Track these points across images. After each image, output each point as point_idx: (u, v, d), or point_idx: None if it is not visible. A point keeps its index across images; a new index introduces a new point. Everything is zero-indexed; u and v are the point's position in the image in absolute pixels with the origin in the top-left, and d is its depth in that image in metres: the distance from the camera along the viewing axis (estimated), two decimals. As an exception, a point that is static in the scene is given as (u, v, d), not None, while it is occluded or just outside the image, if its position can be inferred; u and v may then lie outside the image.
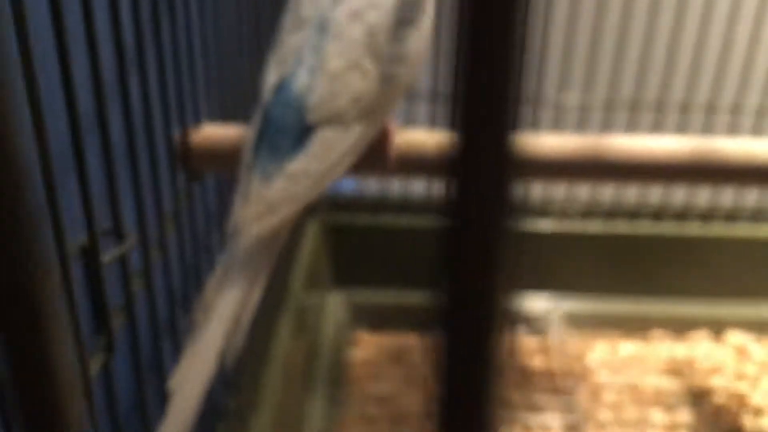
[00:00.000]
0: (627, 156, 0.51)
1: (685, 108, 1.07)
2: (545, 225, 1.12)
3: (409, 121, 1.08)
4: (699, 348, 1.06)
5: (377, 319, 1.11)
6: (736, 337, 1.08)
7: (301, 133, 0.46)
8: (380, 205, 1.11)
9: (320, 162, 0.46)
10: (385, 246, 1.12)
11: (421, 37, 0.49)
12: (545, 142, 0.53)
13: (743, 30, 1.05)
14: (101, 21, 0.40)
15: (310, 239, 1.06)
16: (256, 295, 0.47)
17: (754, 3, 1.03)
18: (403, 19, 0.47)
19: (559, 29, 1.05)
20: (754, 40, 1.04)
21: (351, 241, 1.12)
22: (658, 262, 1.13)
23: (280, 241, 0.48)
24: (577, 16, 1.04)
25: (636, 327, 1.10)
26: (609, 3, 1.03)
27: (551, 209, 1.13)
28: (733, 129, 1.08)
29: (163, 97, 0.49)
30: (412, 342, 1.09)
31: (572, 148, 0.53)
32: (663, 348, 1.07)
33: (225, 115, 0.59)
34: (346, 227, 1.11)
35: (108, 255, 0.39)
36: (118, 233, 0.40)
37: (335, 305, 1.12)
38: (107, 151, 0.41)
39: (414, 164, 0.54)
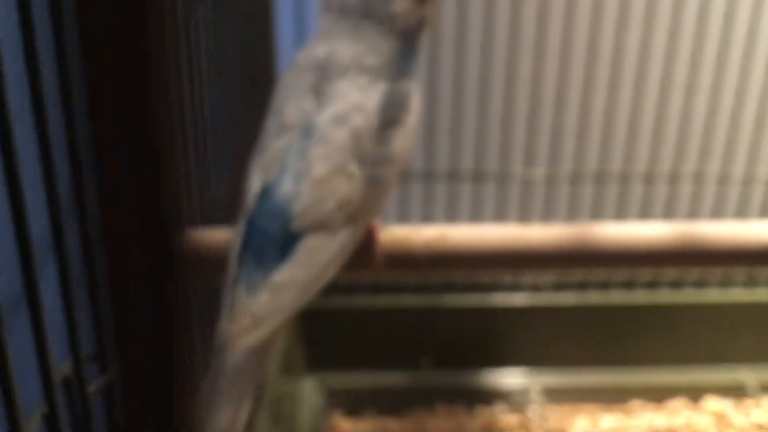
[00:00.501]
0: (615, 243, 0.51)
1: (649, 178, 1.08)
2: (518, 299, 1.11)
3: (403, 201, 1.08)
4: (679, 417, 1.05)
5: (354, 403, 1.08)
6: (714, 404, 1.07)
7: (287, 240, 0.45)
8: (352, 286, 1.09)
9: (307, 270, 0.45)
10: (358, 328, 1.10)
11: (406, 136, 0.48)
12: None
13: (701, 100, 1.07)
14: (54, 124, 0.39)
15: (285, 324, 1.03)
16: (246, 409, 0.45)
17: (709, 75, 1.06)
18: (388, 120, 0.47)
19: (523, 105, 1.06)
20: (711, 110, 1.07)
21: (324, 324, 1.09)
22: (631, 330, 1.13)
23: (269, 351, 0.46)
24: (541, 90, 1.05)
25: (615, 398, 1.09)
26: (571, 77, 1.05)
27: (523, 282, 1.12)
28: (694, 199, 1.10)
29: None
30: (390, 426, 1.06)
31: (559, 237, 0.52)
32: (643, 419, 1.05)
33: (205, 219, 0.57)
34: (318, 310, 1.08)
35: (93, 385, 0.36)
36: (102, 360, 0.38)
37: (310, 391, 1.09)
38: (90, 264, 0.39)
39: (401, 261, 0.52)
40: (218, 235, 0.52)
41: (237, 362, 0.44)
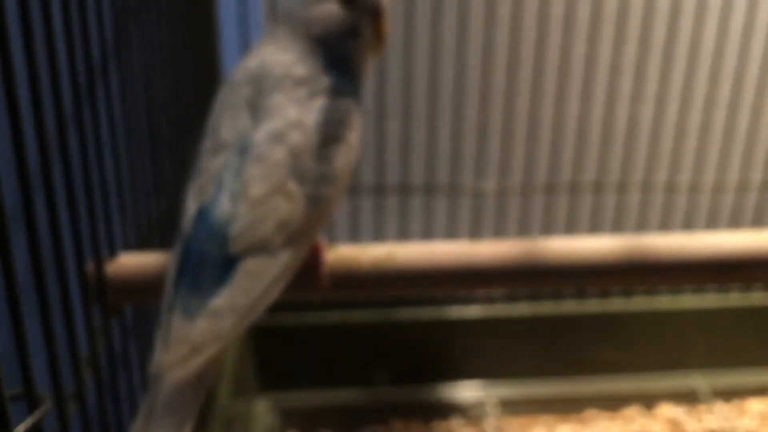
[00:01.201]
0: (565, 259, 0.50)
1: (597, 187, 1.09)
2: (472, 311, 1.10)
3: (354, 214, 1.06)
4: (633, 424, 1.05)
5: (308, 423, 1.06)
6: (667, 411, 1.07)
7: (225, 264, 0.42)
8: (303, 303, 1.07)
9: (246, 294, 0.42)
10: (310, 345, 1.08)
11: (348, 154, 0.46)
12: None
13: (647, 112, 1.08)
14: (1, 138, 0.37)
15: (235, 344, 1.01)
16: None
17: (654, 86, 1.07)
18: (328, 138, 0.45)
19: (472, 118, 1.05)
20: (656, 121, 1.07)
21: (275, 343, 1.07)
22: (584, 340, 1.13)
23: (208, 378, 0.44)
24: (490, 103, 1.05)
25: (570, 408, 1.09)
26: (518, 91, 1.05)
27: (476, 295, 1.11)
28: (642, 206, 1.10)
29: (73, 223, 0.44)
30: (346, 444, 1.04)
31: (508, 254, 0.51)
32: (599, 427, 1.05)
33: (143, 243, 0.55)
34: (269, 328, 1.06)
35: (20, 428, 0.34)
36: (30, 398, 0.35)
37: (263, 411, 1.06)
38: (12, 290, 0.36)
39: (348, 281, 0.51)
40: (153, 259, 0.49)
41: (174, 391, 0.41)
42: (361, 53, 0.49)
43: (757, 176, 1.13)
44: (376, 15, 0.49)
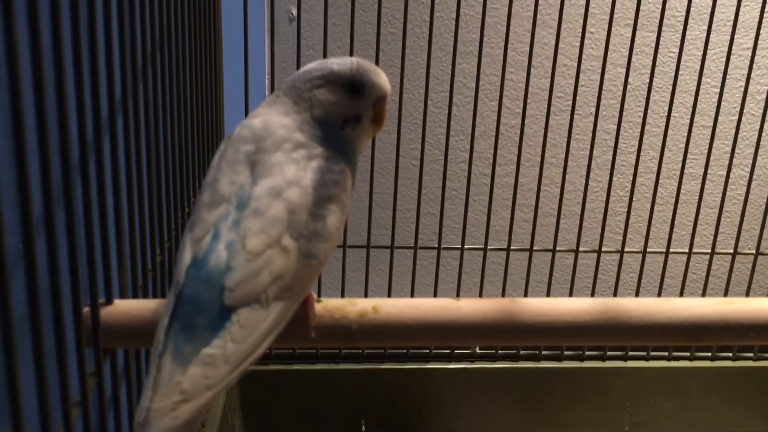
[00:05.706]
0: (542, 318, 0.50)
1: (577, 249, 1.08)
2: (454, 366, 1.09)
3: (343, 269, 1.04)
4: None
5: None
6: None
7: (219, 313, 0.41)
8: (290, 355, 1.05)
9: (239, 344, 0.41)
10: (298, 391, 1.06)
11: (340, 213, 0.46)
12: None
13: (624, 180, 1.08)
14: (6, 183, 0.36)
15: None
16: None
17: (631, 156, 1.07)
18: (323, 197, 0.45)
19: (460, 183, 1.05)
20: (634, 190, 1.08)
21: (263, 388, 1.05)
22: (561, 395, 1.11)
23: (195, 425, 0.43)
24: (477, 169, 1.05)
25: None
26: (504, 157, 1.05)
27: (458, 353, 1.10)
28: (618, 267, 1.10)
29: (72, 268, 0.44)
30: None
31: (489, 311, 0.51)
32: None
33: (139, 290, 0.54)
34: (258, 373, 1.04)
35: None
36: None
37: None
38: (8, 331, 0.36)
39: (335, 332, 0.50)
40: (147, 305, 0.49)
41: (162, 439, 0.40)
42: (358, 136, 0.49)
43: (729, 243, 1.13)
44: (378, 104, 0.49)
